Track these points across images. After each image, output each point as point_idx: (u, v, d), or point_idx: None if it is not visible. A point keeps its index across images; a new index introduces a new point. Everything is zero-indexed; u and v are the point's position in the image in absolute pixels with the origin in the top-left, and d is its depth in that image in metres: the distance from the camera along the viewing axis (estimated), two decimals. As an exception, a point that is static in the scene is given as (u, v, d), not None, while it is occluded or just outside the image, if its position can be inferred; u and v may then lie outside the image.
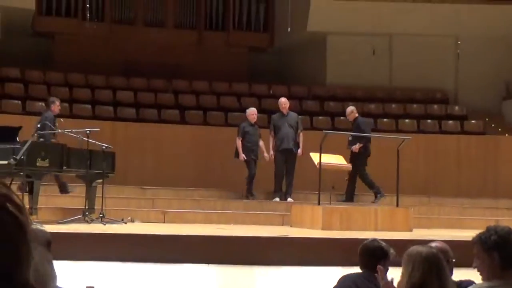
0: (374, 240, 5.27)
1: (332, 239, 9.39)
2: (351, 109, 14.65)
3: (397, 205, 12.03)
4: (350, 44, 18.88)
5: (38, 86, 16.95)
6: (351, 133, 14.09)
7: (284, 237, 9.32)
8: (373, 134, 14.50)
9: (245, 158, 14.12)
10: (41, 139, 11.24)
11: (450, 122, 17.69)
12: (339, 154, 13.04)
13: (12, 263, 1.11)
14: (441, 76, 18.90)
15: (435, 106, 18.37)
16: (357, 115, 14.53)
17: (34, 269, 3.46)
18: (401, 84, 18.86)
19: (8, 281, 1.10)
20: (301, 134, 14.35)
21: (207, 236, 9.63)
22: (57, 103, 12.67)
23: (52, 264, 3.70)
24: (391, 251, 5.14)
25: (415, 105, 18.30)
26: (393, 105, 18.27)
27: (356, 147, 13.82)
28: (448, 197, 15.16)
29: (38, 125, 11.63)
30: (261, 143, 14.33)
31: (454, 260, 4.78)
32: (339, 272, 8.47)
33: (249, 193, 14.20)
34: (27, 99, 16.30)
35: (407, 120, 17.62)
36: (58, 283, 4.36)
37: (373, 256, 5.09)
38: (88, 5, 17.87)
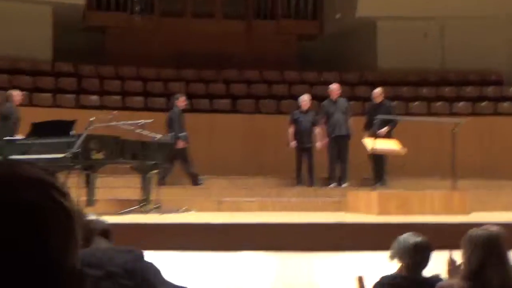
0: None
1: (389, 224, 9.31)
2: (380, 91, 14.56)
3: (454, 189, 11.89)
4: (401, 28, 18.68)
5: (91, 80, 17.12)
6: (407, 118, 13.97)
7: (340, 223, 9.27)
8: (424, 118, 14.36)
9: (296, 146, 14.12)
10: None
11: (505, 103, 17.41)
12: (393, 139, 12.91)
13: (58, 250, 1.11)
14: (495, 57, 18.60)
15: (490, 88, 18.10)
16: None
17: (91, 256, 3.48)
18: (454, 66, 18.62)
19: (55, 268, 1.11)
20: (350, 119, 14.30)
21: (262, 224, 9.63)
22: None
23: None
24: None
25: (469, 88, 18.07)
26: (447, 88, 18.06)
27: (384, 130, 13.68)
28: (505, 180, 14.93)
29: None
30: (316, 130, 14.29)
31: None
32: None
33: (298, 180, 14.20)
34: (81, 93, 16.47)
35: (461, 103, 17.40)
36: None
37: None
38: (136, -1, 18.01)
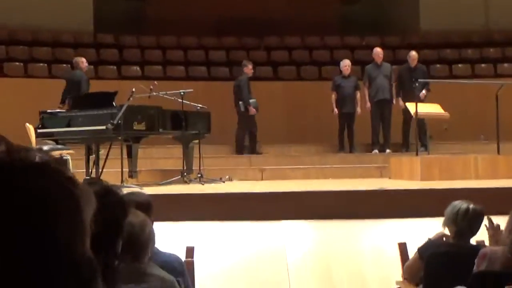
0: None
1: (431, 190, 9.22)
2: (416, 54, 14.40)
3: (498, 152, 11.73)
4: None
5: (132, 50, 17.16)
6: (445, 80, 13.79)
7: (381, 189, 9.21)
8: (468, 81, 14.15)
9: (338, 112, 14.06)
10: None
11: (552, 63, 17.10)
12: (435, 103, 12.75)
13: (68, 237, 1.10)
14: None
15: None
16: None
17: (131, 232, 3.49)
18: (498, 26, 18.29)
19: (65, 255, 1.10)
20: (394, 84, 14.17)
21: (305, 191, 9.59)
22: None
23: (150, 226, 3.73)
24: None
25: (513, 48, 17.75)
26: (491, 49, 17.77)
27: (424, 93, 13.56)
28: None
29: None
30: (358, 95, 14.20)
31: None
32: (439, 223, 8.34)
33: (340, 147, 14.16)
34: (122, 64, 16.53)
35: (506, 64, 17.11)
36: (159, 245, 4.42)
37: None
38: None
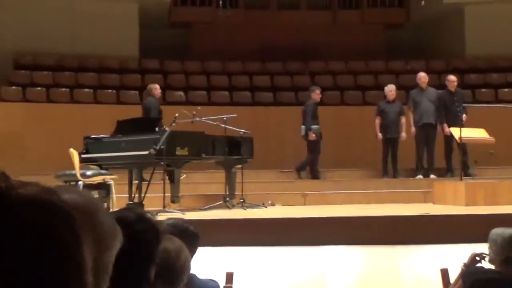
0: None
1: (476, 215, 9.12)
2: (455, 78, 14.30)
3: (545, 177, 11.57)
4: (489, 13, 18.26)
5: (176, 76, 17.29)
6: (491, 105, 13.65)
7: (425, 215, 9.12)
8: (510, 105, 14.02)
9: (381, 137, 14.01)
10: None
11: None
12: (481, 127, 12.62)
13: (60, 276, 1.07)
14: None
15: None
16: None
17: (166, 258, 3.50)
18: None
19: None
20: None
21: (348, 217, 9.54)
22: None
23: (186, 253, 3.72)
24: None
25: (561, 72, 17.54)
26: (537, 73, 17.58)
27: (466, 116, 13.45)
28: None
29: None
30: (402, 120, 14.13)
31: None
32: (484, 250, 8.23)
33: (384, 171, 14.09)
34: (166, 89, 16.65)
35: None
36: (198, 271, 4.42)
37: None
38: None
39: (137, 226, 2.67)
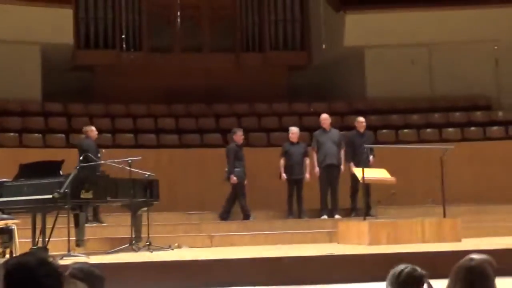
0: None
1: (379, 255, 9.30)
2: (363, 120, 14.65)
3: (444, 216, 11.88)
4: (389, 56, 18.77)
5: (80, 119, 17.12)
6: (391, 145, 13.97)
7: (329, 255, 9.26)
8: (414, 146, 14.39)
9: (286, 178, 14.15)
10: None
11: (495, 128, 17.46)
12: (382, 168, 12.91)
13: None
14: (483, 82, 18.65)
15: (479, 113, 18.14)
16: None
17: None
18: (442, 93, 18.69)
19: None
20: (342, 150, 14.33)
21: (254, 258, 9.60)
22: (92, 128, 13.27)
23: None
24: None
25: (458, 113, 18.11)
26: (436, 115, 18.11)
27: (372, 159, 13.81)
28: (497, 204, 14.90)
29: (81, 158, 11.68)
30: (307, 161, 14.31)
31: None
32: None
33: (289, 212, 14.22)
34: (70, 132, 16.47)
35: (450, 129, 17.44)
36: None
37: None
38: (123, 36, 18.01)
39: (39, 271, 2.65)
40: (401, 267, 5.13)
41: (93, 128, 13.84)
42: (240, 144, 14.36)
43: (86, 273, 4.39)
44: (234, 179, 13.89)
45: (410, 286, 5.00)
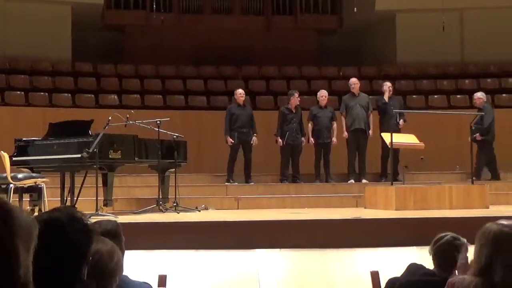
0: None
1: (406, 219, 9.27)
2: (390, 84, 14.58)
3: (472, 182, 11.82)
4: (420, 21, 18.60)
5: (110, 79, 17.19)
6: (421, 111, 13.88)
7: (356, 219, 9.25)
8: (444, 112, 14.29)
9: (314, 142, 14.14)
10: None
11: (525, 94, 17.29)
12: (411, 133, 12.84)
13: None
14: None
15: (510, 80, 17.95)
16: None
17: (98, 259, 3.50)
18: (473, 59, 18.52)
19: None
20: (371, 115, 14.28)
21: (280, 220, 9.61)
22: None
23: (118, 254, 3.73)
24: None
25: (489, 80, 17.94)
26: (466, 81, 17.95)
27: (401, 123, 13.81)
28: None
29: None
30: (334, 125, 14.27)
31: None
32: (413, 253, 8.38)
33: (316, 176, 14.21)
34: (100, 92, 16.55)
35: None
36: (131, 273, 4.43)
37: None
38: (155, -4, 17.99)
39: (69, 227, 2.68)
40: (444, 234, 5.12)
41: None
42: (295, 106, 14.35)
43: (109, 231, 4.44)
44: (279, 141, 13.99)
45: (451, 253, 5.01)
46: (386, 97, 14.31)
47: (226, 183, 13.83)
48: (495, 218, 3.91)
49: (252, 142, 14.05)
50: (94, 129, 10.34)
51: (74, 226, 2.69)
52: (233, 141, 13.96)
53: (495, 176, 14.09)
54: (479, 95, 14.45)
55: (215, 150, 15.34)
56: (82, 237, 2.71)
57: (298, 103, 14.30)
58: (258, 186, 13.76)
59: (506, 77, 18.01)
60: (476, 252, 3.97)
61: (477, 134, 13.80)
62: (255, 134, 14.07)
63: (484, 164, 14.13)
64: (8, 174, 9.95)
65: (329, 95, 14.75)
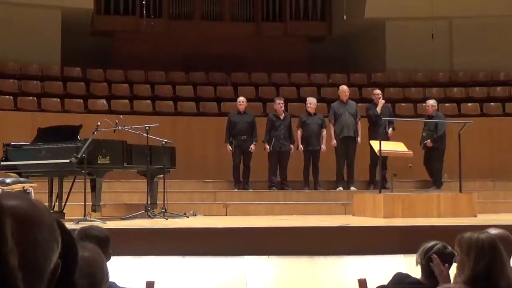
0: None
1: (394, 227, 9.29)
2: (379, 91, 14.67)
3: (460, 191, 11.85)
4: (409, 29, 18.66)
5: (99, 84, 17.17)
6: (410, 119, 13.92)
7: (344, 226, 9.26)
8: (433, 120, 14.33)
9: (303, 149, 14.15)
10: None
11: (514, 104, 17.34)
12: (400, 141, 12.88)
13: None
14: (503, 56, 18.50)
15: (498, 88, 18.02)
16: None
17: (81, 267, 3.50)
18: (462, 67, 18.59)
19: None
20: (359, 122, 14.31)
21: (268, 227, 9.62)
22: None
23: (103, 261, 3.72)
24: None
25: (477, 88, 18.01)
26: (455, 89, 18.01)
27: (390, 132, 13.89)
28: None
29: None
30: (323, 132, 14.29)
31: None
32: (401, 260, 8.40)
33: (305, 183, 14.23)
34: (89, 97, 16.52)
35: (469, 104, 17.35)
36: (119, 279, 4.42)
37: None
38: (144, 2, 17.96)
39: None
40: (432, 243, 5.12)
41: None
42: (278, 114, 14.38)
43: (90, 235, 4.44)
44: (267, 147, 14.01)
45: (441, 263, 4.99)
46: (378, 109, 14.34)
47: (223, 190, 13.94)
48: (483, 227, 3.94)
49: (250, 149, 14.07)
50: (83, 134, 10.33)
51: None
52: (231, 149, 14.00)
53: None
54: (432, 103, 14.63)
55: (204, 156, 15.35)
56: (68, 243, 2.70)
57: (283, 109, 14.33)
58: (247, 193, 13.77)
59: (495, 85, 18.09)
60: (470, 261, 3.98)
61: (428, 140, 13.97)
62: (254, 142, 14.08)
63: (442, 171, 14.23)
64: (-4, 178, 9.93)
65: (318, 102, 14.78)
